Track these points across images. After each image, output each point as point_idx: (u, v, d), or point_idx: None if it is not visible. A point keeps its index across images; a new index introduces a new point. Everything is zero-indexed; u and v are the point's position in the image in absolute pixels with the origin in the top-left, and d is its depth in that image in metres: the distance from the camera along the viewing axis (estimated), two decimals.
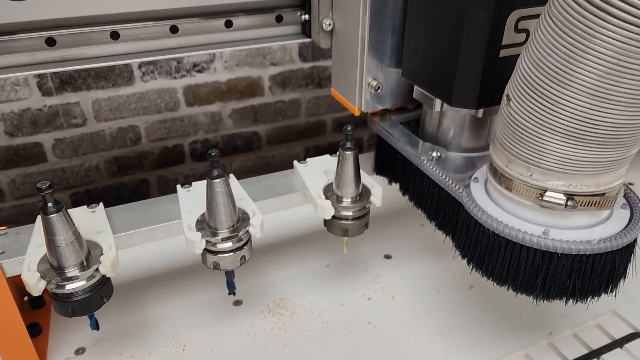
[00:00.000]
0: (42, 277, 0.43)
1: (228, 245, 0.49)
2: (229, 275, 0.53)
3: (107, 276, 0.46)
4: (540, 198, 0.42)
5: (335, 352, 0.58)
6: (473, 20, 0.45)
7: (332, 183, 0.55)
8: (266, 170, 1.40)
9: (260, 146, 1.35)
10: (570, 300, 0.46)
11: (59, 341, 0.59)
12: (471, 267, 0.50)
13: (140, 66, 1.10)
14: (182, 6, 0.55)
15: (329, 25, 0.59)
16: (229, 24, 0.59)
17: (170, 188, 1.32)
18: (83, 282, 0.44)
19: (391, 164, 0.62)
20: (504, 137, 0.43)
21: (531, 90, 0.39)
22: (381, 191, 0.55)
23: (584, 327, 0.62)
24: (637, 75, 0.34)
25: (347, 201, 0.54)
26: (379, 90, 0.57)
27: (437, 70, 0.50)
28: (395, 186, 0.66)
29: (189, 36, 0.58)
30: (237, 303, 0.64)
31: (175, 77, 1.15)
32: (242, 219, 0.50)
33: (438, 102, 0.52)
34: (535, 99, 0.39)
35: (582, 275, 0.44)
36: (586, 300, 0.47)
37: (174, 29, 0.57)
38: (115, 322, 0.60)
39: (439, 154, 0.54)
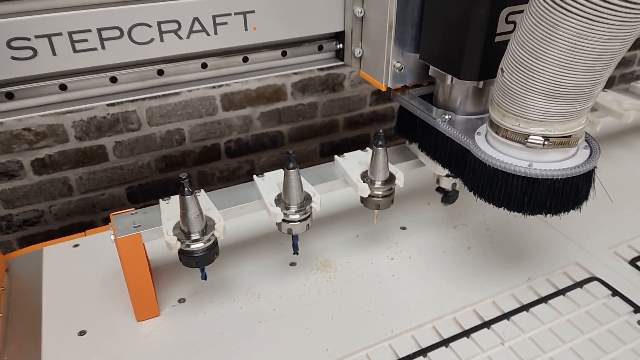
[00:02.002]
0: (178, 239, 0.60)
1: (298, 216, 0.66)
2: (295, 239, 0.71)
3: (219, 239, 0.63)
4: (525, 140, 0.57)
5: (370, 295, 0.75)
6: (476, 15, 0.58)
7: (366, 171, 0.72)
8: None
9: (284, 143, 1.52)
10: (548, 215, 0.60)
11: (163, 294, 0.75)
12: (476, 197, 0.64)
13: None
14: (253, 43, 0.71)
15: (359, 52, 0.75)
16: (284, 54, 0.76)
17: (208, 181, 1.48)
18: (202, 244, 0.61)
19: (411, 128, 0.76)
20: (500, 99, 0.58)
21: (518, 64, 0.53)
22: (403, 176, 0.72)
23: (554, 274, 0.78)
24: (590, 52, 0.48)
25: (378, 184, 0.70)
26: (401, 70, 0.70)
27: (449, 52, 0.63)
28: (408, 173, 0.82)
29: (256, 63, 0.75)
30: (292, 264, 0.81)
31: (214, 87, 1.31)
32: (307, 197, 0.67)
33: (449, 77, 0.65)
34: (521, 71, 0.53)
35: (556, 195, 0.59)
36: (560, 215, 0.61)
37: (245, 59, 0.74)
38: (202, 280, 0.77)
39: (450, 117, 0.68)
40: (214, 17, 0.66)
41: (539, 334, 0.68)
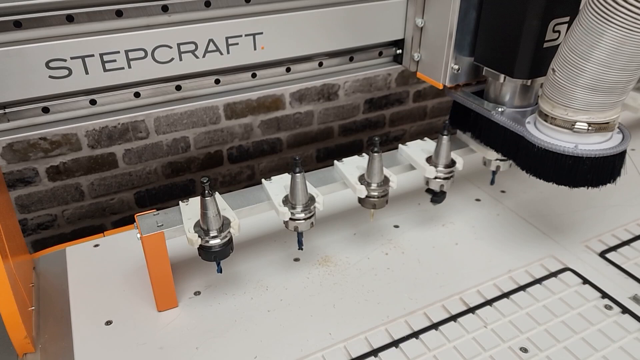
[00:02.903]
0: (198, 236, 0.67)
1: (303, 215, 0.73)
2: (300, 235, 0.78)
3: (234, 236, 0.70)
4: (572, 126, 0.67)
5: (368, 287, 0.82)
6: (529, 26, 0.69)
7: (363, 174, 0.79)
8: (286, 169, 1.63)
9: (282, 149, 1.59)
10: (590, 187, 0.71)
11: (180, 288, 0.82)
12: (528, 174, 0.75)
13: None
14: (260, 61, 0.79)
15: (417, 57, 0.83)
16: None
17: (211, 186, 1.54)
18: (220, 240, 0.68)
19: (465, 119, 0.85)
20: (550, 93, 0.68)
21: (568, 64, 0.64)
22: (397, 179, 0.79)
23: (532, 265, 0.85)
24: (627, 54, 0.59)
25: (374, 186, 0.77)
26: (458, 72, 0.80)
27: (503, 56, 0.73)
28: (400, 176, 0.88)
29: (263, 79, 0.82)
30: (296, 260, 0.88)
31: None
32: (311, 198, 0.74)
33: (502, 76, 0.75)
34: (570, 69, 0.64)
35: (597, 171, 0.69)
36: (599, 187, 0.71)
37: (254, 75, 0.81)
38: (216, 275, 0.84)
39: (502, 109, 0.78)
40: (226, 38, 0.73)
41: (517, 317, 0.75)
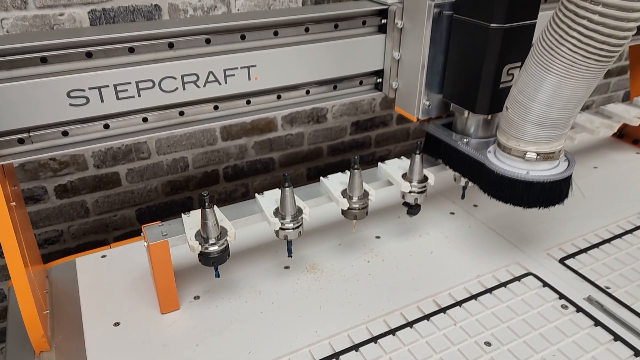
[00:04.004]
0: (199, 243, 0.75)
1: (292, 225, 0.81)
2: (290, 244, 0.86)
3: (230, 244, 0.78)
4: (524, 155, 0.76)
5: (351, 290, 0.89)
6: (487, 69, 0.78)
7: (346, 189, 0.88)
8: (278, 186, 1.71)
9: (275, 168, 1.67)
10: (541, 207, 0.80)
11: (182, 293, 0.89)
12: (490, 197, 0.83)
13: None
14: (254, 89, 0.88)
15: (396, 85, 0.93)
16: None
17: (210, 199, 1.62)
18: (218, 247, 0.76)
19: (436, 148, 0.94)
20: (505, 127, 0.77)
21: (518, 104, 0.72)
22: (375, 193, 0.88)
23: (499, 271, 0.94)
24: (564, 97, 0.67)
25: (355, 199, 0.86)
26: (429, 107, 0.89)
27: (467, 94, 0.83)
28: (380, 191, 0.97)
29: (256, 105, 0.91)
30: (287, 267, 0.96)
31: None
32: (299, 210, 0.82)
33: (466, 111, 0.85)
34: (520, 108, 0.72)
35: (546, 194, 0.78)
36: (549, 207, 0.80)
37: (248, 102, 0.90)
38: (214, 280, 0.91)
39: (467, 140, 0.87)
40: (224, 70, 0.82)
41: (483, 316, 0.83)
